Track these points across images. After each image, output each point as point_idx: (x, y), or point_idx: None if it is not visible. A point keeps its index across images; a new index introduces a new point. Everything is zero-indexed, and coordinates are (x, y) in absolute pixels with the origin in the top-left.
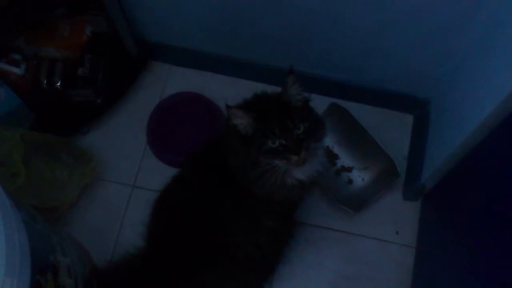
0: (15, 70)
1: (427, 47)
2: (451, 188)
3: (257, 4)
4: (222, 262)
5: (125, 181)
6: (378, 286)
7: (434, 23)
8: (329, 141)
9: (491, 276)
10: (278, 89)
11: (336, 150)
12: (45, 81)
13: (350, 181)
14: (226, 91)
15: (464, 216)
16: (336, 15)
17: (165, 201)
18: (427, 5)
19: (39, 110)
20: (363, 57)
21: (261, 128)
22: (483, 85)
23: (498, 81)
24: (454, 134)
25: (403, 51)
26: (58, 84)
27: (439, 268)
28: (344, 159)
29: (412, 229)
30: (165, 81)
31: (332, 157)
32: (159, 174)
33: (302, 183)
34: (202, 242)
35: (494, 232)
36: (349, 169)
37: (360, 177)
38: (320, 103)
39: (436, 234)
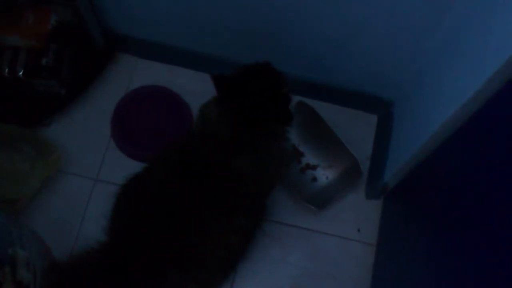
0: None
1: (393, 49)
2: (412, 187)
3: None
4: (188, 263)
5: (88, 174)
6: (339, 282)
7: (402, 26)
8: (295, 139)
9: (449, 274)
10: None
11: (302, 148)
12: (7, 70)
13: (315, 179)
14: (194, 85)
15: (424, 215)
16: (306, 13)
17: (131, 196)
18: (395, 8)
19: (0, 99)
20: (331, 56)
21: None
22: (445, 89)
23: (459, 85)
24: (416, 135)
25: (370, 52)
26: (21, 73)
27: (398, 266)
28: (309, 157)
29: (373, 227)
30: (132, 74)
31: (297, 155)
32: (122, 168)
33: None
34: (168, 242)
35: (453, 231)
36: (314, 167)
37: (324, 175)
38: None
39: (397, 232)
